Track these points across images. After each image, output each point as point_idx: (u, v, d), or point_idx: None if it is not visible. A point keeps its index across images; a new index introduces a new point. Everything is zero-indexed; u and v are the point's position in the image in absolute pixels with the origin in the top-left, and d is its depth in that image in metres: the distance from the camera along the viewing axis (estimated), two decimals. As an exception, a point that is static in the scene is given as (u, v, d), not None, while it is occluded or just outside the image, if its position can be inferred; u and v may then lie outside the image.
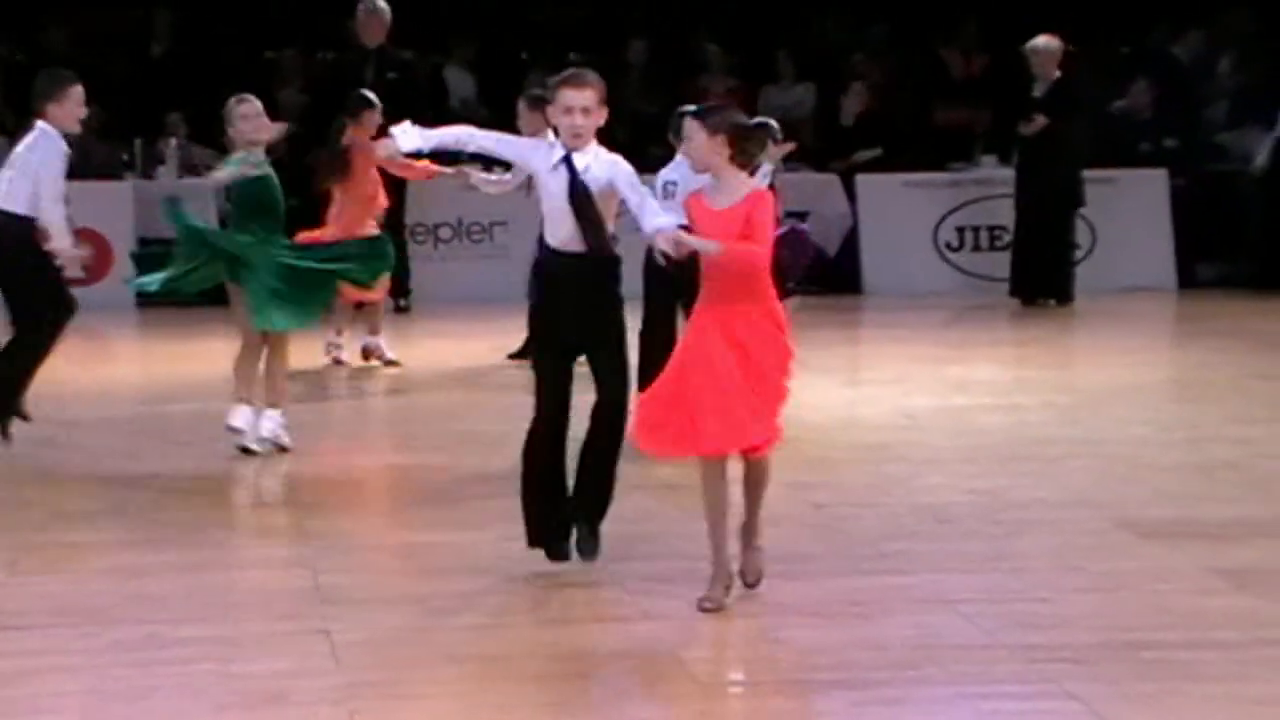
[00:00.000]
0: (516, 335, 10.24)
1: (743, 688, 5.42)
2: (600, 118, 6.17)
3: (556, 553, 6.28)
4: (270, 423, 8.23)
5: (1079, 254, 14.60)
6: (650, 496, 7.64)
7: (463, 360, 11.56)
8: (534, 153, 6.31)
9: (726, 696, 5.27)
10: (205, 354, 12.22)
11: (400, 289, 14.25)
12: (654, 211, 6.02)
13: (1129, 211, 14.96)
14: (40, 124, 8.19)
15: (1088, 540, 6.83)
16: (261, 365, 8.27)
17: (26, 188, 8.13)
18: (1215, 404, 9.89)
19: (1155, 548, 6.71)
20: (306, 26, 16.46)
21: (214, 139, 15.08)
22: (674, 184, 7.91)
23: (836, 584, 6.24)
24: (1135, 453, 8.51)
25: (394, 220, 14.14)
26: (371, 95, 11.14)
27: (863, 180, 15.18)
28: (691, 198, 6.02)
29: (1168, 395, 10.66)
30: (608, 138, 6.27)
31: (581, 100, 6.09)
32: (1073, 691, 5.08)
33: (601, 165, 6.11)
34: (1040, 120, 13.92)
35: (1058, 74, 14.05)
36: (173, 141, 14.88)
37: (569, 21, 16.68)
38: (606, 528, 6.38)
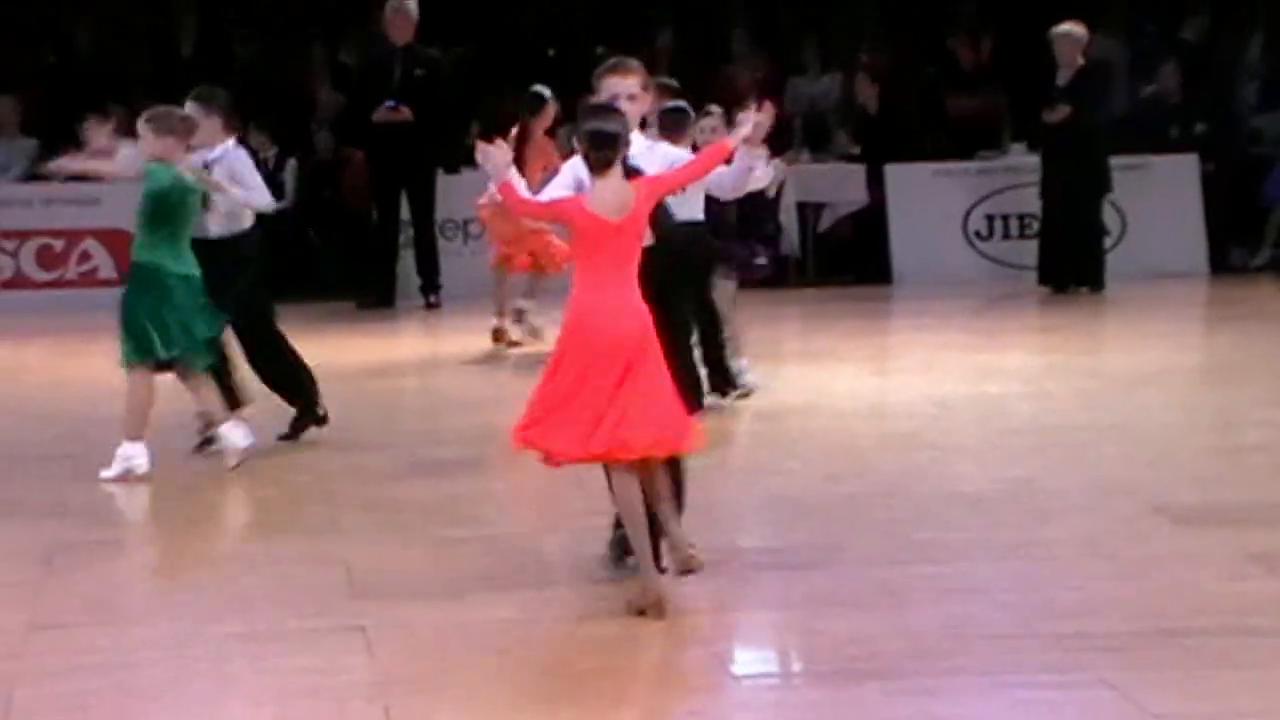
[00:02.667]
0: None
1: (776, 679, 5.41)
2: (645, 103, 6.15)
3: None
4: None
5: (1109, 240, 14.55)
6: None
7: (492, 354, 11.57)
8: (575, 171, 5.96)
9: (760, 688, 5.26)
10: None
11: (430, 285, 14.29)
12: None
13: (1159, 197, 14.89)
14: None
15: (1119, 526, 6.81)
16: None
17: None
18: (1245, 388, 9.84)
19: (1187, 533, 6.68)
20: (332, 23, 16.49)
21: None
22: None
23: (868, 574, 6.23)
24: (1166, 438, 8.48)
25: (423, 217, 14.25)
26: (546, 91, 11.57)
27: (892, 169, 15.15)
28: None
29: (1198, 380, 10.62)
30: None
31: (628, 87, 6.05)
32: (1107, 679, 5.06)
33: (646, 156, 6.04)
34: (1064, 109, 13.87)
35: (1082, 60, 13.99)
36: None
37: (594, 12, 16.68)
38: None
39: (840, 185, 15.28)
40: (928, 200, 15.07)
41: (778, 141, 15.57)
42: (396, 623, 5.74)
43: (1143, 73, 15.72)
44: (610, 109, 5.89)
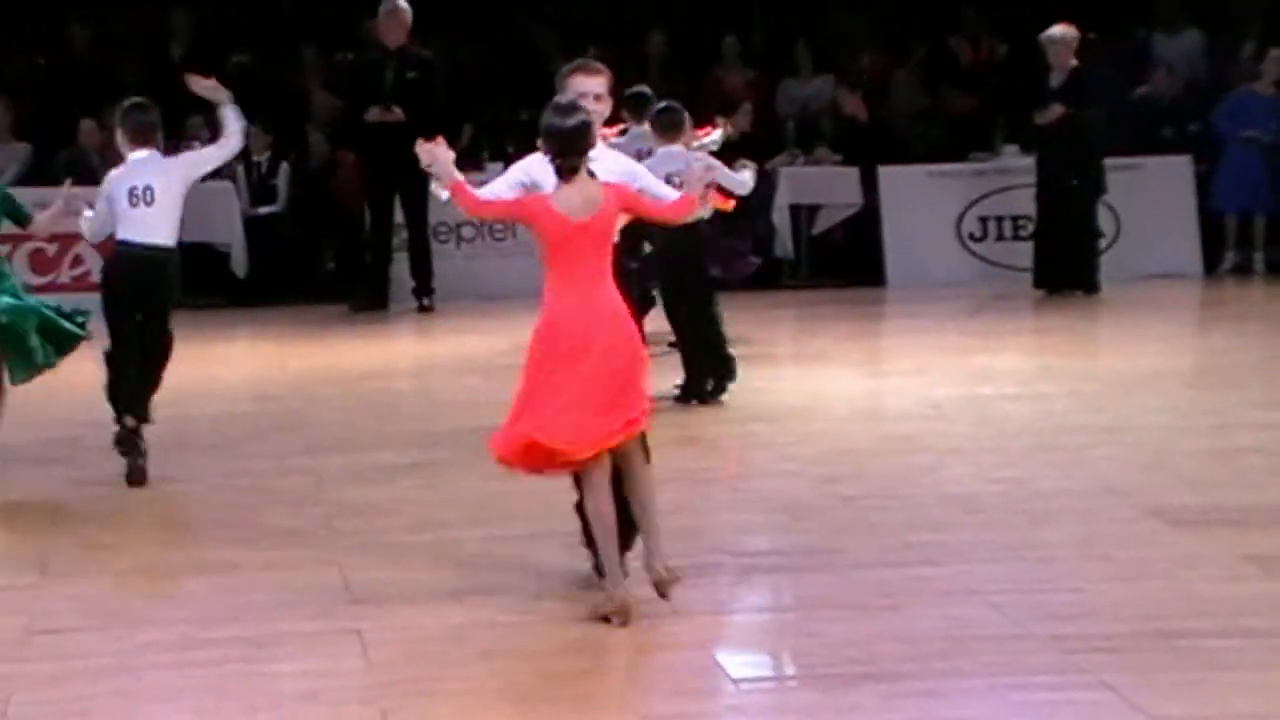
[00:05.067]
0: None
1: (772, 682, 5.42)
2: (608, 106, 6.14)
3: None
4: None
5: (1103, 242, 14.56)
6: (681, 490, 7.65)
7: (486, 357, 11.57)
8: (536, 168, 5.89)
9: (756, 691, 5.26)
10: (225, 357, 12.25)
11: (423, 288, 14.29)
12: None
13: (1153, 198, 14.91)
14: None
15: (1116, 528, 6.81)
16: None
17: None
18: (1241, 390, 9.86)
19: (1184, 535, 6.69)
20: (325, 26, 16.50)
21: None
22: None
23: (865, 576, 6.23)
24: (1161, 440, 8.49)
25: (416, 219, 14.25)
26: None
27: (885, 171, 15.17)
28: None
29: (1193, 382, 10.63)
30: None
31: (595, 86, 6.04)
32: (1105, 681, 5.07)
33: (607, 162, 6.03)
34: (1057, 109, 13.88)
35: (1074, 63, 14.00)
36: (195, 144, 14.91)
37: (585, 13, 16.71)
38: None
39: (833, 187, 15.31)
40: (921, 202, 15.09)
41: (770, 144, 15.68)
42: (393, 626, 5.74)
43: (1134, 75, 15.75)
44: (575, 108, 5.78)
